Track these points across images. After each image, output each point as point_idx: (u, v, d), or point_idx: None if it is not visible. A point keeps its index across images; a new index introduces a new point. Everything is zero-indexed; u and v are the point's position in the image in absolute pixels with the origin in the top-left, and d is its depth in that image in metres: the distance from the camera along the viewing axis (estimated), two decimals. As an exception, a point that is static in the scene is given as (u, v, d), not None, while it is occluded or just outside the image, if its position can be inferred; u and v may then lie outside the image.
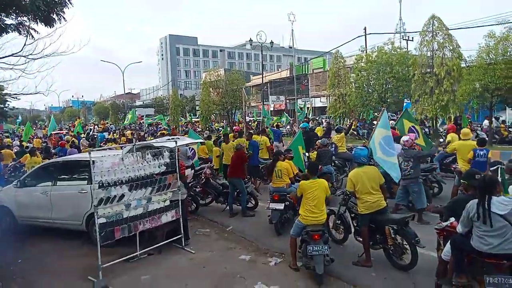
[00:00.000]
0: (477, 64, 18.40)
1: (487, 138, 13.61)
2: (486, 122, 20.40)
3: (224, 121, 31.40)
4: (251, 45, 31.73)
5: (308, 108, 32.95)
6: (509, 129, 18.91)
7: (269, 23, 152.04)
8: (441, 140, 13.90)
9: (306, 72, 47.24)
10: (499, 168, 5.55)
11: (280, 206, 7.31)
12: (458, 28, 26.58)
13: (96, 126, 37.09)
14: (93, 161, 5.57)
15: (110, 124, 42.26)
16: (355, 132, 20.37)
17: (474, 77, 18.17)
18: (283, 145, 14.31)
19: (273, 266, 5.97)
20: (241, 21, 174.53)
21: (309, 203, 5.61)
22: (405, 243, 5.52)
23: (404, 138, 7.99)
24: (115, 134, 25.62)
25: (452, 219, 4.79)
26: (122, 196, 5.89)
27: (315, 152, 10.66)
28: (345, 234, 6.61)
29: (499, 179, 5.16)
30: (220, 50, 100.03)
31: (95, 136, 21.17)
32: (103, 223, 5.62)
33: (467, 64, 19.05)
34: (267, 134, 14.23)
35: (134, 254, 6.24)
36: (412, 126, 9.73)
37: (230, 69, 45.36)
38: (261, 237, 7.35)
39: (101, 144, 17.48)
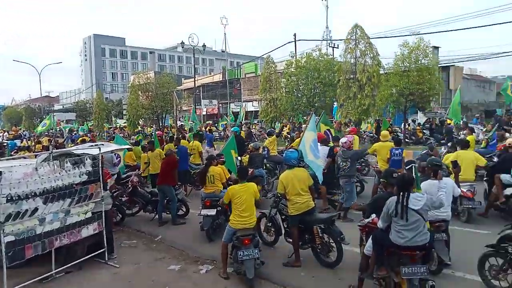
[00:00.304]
0: (394, 71, 20.14)
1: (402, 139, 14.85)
2: (412, 123, 22.50)
3: (154, 125, 30.31)
4: (183, 47, 31.15)
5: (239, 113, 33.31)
6: (423, 130, 20.87)
7: (202, 26, 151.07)
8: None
9: (239, 77, 47.70)
10: (413, 167, 6.02)
11: (212, 212, 7.19)
12: (377, 37, 28.80)
13: (6, 133, 33.46)
14: (0, 172, 4.96)
15: (24, 131, 38.45)
16: (289, 136, 21.01)
17: (391, 83, 19.85)
18: (215, 150, 14.19)
19: (204, 274, 5.83)
20: (173, 24, 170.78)
21: (237, 208, 5.58)
22: (332, 241, 5.75)
23: (343, 140, 8.44)
24: (29, 142, 23.33)
25: (373, 216, 5.08)
26: (36, 209, 5.32)
27: (247, 156, 10.73)
28: (276, 236, 6.70)
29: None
30: (150, 52, 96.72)
31: (5, 144, 19.02)
32: (11, 241, 5.02)
33: (385, 71, 20.72)
34: (204, 138, 14.01)
35: (49, 273, 5.66)
36: (327, 129, 10.62)
37: (160, 72, 44.07)
38: (192, 245, 7.15)
39: (12, 153, 15.79)
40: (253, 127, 26.94)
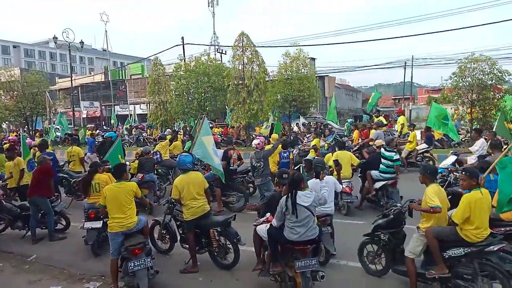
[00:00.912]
0: (278, 79, 21.52)
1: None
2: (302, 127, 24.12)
3: (21, 129, 26.29)
4: (55, 43, 27.78)
5: (131, 115, 31.41)
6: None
7: (79, 20, 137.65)
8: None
9: (124, 78, 44.84)
10: (301, 167, 6.47)
11: (97, 224, 6.49)
12: (262, 46, 30.37)
13: None
14: None
15: None
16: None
17: (276, 89, 21.18)
18: (97, 156, 12.98)
19: (91, 292, 5.23)
20: (44, 16, 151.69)
21: (112, 209, 5.17)
22: (228, 243, 5.77)
23: (255, 141, 8.55)
24: None
25: (268, 215, 5.27)
26: None
27: (137, 161, 10.10)
28: (171, 243, 6.43)
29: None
30: (14, 46, 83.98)
31: None
32: None
33: (270, 78, 21.97)
34: (80, 143, 12.61)
35: None
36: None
37: (28, 69, 38.59)
38: (76, 262, 6.37)
39: None
40: (149, 132, 25.37)
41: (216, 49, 37.32)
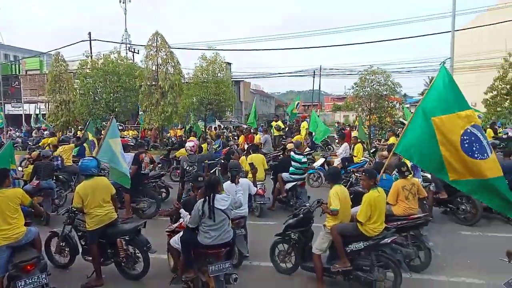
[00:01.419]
0: (194, 81, 21.23)
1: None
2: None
3: None
4: None
5: (37, 114, 28.08)
6: (235, 137, 22.54)
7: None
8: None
9: (18, 73, 39.94)
10: (217, 170, 6.43)
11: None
12: (178, 48, 29.77)
13: None
14: None
15: None
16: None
17: (192, 92, 20.85)
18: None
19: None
20: None
21: None
22: (137, 252, 5.44)
23: (190, 144, 8.07)
24: None
25: (181, 220, 5.11)
26: None
27: (31, 166, 9.01)
28: (71, 256, 5.83)
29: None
30: None
31: None
32: None
33: (186, 81, 21.58)
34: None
35: None
36: (91, 140, 10.38)
37: None
38: None
39: None
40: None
41: (128, 48, 35.41)
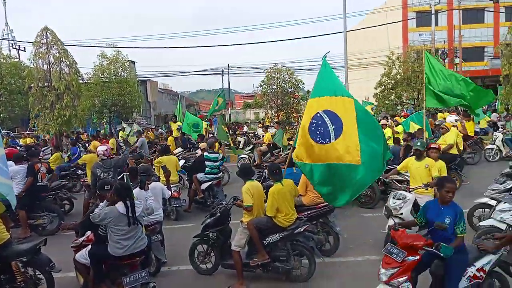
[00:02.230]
0: (94, 81, 19.69)
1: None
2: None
3: None
4: None
5: None
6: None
7: None
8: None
9: None
10: (125, 176, 6.04)
11: None
12: (73, 45, 27.28)
13: None
14: None
15: None
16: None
17: (93, 93, 19.32)
18: None
19: None
20: None
21: None
22: (38, 273, 4.86)
23: (102, 148, 7.28)
24: None
25: (89, 233, 4.71)
26: None
27: None
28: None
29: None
30: None
31: None
32: None
33: (85, 81, 19.88)
34: None
35: None
36: None
37: None
38: None
39: None
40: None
41: (11, 45, 31.25)
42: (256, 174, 9.30)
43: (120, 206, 4.23)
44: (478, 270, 3.77)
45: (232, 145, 11.85)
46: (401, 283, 3.59)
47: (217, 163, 8.64)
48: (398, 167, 6.64)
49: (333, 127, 4.87)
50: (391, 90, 20.28)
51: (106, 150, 7.51)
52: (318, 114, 4.99)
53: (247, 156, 13.41)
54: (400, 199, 5.70)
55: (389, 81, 20.41)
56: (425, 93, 8.90)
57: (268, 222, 5.05)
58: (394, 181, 7.87)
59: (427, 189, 5.75)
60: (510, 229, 5.08)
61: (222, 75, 41.39)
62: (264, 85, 18.50)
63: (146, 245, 4.43)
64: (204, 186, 8.50)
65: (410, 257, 3.63)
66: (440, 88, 8.67)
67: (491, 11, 30.37)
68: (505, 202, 5.41)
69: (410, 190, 5.90)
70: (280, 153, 12.04)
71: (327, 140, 4.88)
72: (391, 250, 3.77)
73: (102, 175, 7.26)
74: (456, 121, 10.66)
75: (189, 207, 8.67)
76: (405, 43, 31.15)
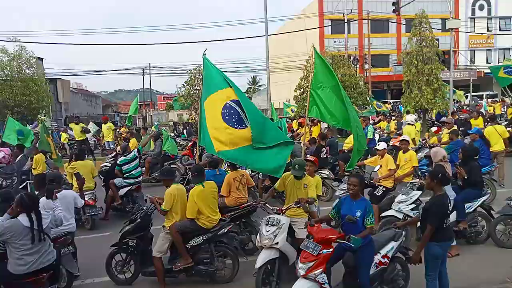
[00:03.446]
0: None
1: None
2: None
3: None
4: None
5: None
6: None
7: None
8: None
9: None
10: (28, 183, 5.49)
11: None
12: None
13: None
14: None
15: None
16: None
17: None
18: None
19: None
20: None
21: None
22: None
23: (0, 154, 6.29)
24: None
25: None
26: None
27: None
28: None
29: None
30: None
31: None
32: None
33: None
34: None
35: None
36: None
37: None
38: None
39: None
40: None
41: None
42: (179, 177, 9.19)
43: (23, 219, 3.81)
44: (383, 256, 4.17)
45: (55, 156, 9.62)
46: (317, 275, 3.80)
47: (135, 162, 8.23)
48: (276, 185, 5.47)
49: (244, 114, 5.38)
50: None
51: (3, 157, 6.94)
52: (227, 104, 5.43)
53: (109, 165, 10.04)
54: (274, 225, 4.65)
55: (307, 84, 21.50)
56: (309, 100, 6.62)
57: (191, 225, 4.98)
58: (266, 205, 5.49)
59: (299, 207, 4.92)
60: (407, 218, 5.71)
61: (143, 75, 39.72)
62: (188, 86, 18.23)
63: (55, 259, 4.06)
64: (122, 191, 8.06)
65: (325, 250, 3.87)
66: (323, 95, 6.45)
67: (394, 23, 33.72)
68: (402, 194, 6.08)
69: (283, 211, 4.95)
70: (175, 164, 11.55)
71: (243, 125, 5.40)
72: (307, 245, 3.97)
73: (4, 182, 6.56)
74: (415, 121, 11.86)
75: (106, 215, 8.14)
76: (322, 49, 33.10)
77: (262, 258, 4.43)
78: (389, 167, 6.77)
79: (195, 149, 12.64)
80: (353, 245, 3.79)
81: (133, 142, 11.67)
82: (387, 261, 4.20)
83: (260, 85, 63.03)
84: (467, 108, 22.45)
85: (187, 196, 5.08)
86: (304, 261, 3.88)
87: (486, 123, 11.40)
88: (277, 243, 4.49)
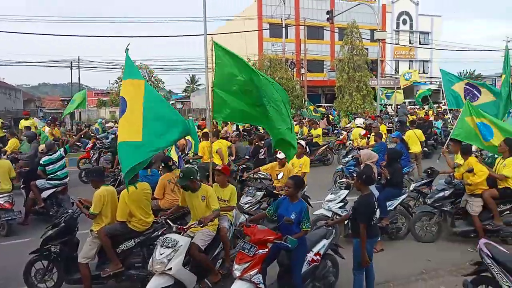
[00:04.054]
0: None
1: None
2: None
3: None
4: None
5: None
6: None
7: None
8: None
9: None
10: None
11: None
12: None
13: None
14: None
15: None
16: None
17: None
18: None
19: None
20: None
21: None
22: None
23: None
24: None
25: None
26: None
27: None
28: None
29: None
30: None
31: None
32: None
33: None
34: None
35: None
36: None
37: None
38: None
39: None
40: None
41: None
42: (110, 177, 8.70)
43: None
44: (315, 254, 4.34)
45: None
46: (252, 276, 3.83)
47: (61, 162, 7.63)
48: (180, 201, 5.12)
49: (121, 108, 4.73)
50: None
51: None
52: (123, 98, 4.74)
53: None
54: (169, 247, 4.12)
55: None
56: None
57: (122, 228, 4.74)
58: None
59: (202, 227, 4.44)
60: (336, 216, 6.01)
61: (71, 68, 37.00)
62: (121, 82, 17.37)
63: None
64: (45, 194, 7.41)
65: (260, 251, 3.91)
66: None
67: (328, 31, 35.44)
68: (331, 194, 6.40)
69: (184, 230, 4.46)
70: None
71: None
72: (243, 246, 3.99)
73: None
74: (363, 124, 12.39)
75: (26, 220, 7.43)
76: (260, 51, 33.67)
77: (151, 287, 3.97)
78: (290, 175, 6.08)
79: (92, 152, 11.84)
80: (290, 246, 3.89)
81: (12, 142, 10.57)
82: (319, 259, 4.37)
83: (199, 84, 62.18)
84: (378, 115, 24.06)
85: (118, 198, 4.83)
86: (240, 262, 3.89)
87: (407, 128, 12.48)
88: (170, 269, 3.98)
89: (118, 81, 17.51)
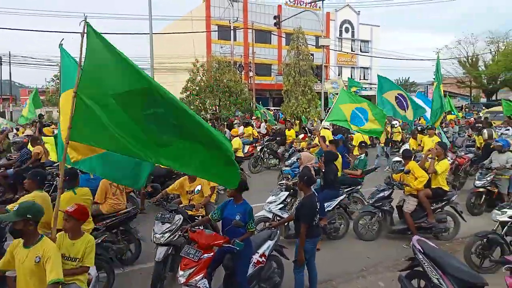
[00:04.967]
0: None
1: None
2: None
3: None
4: None
5: None
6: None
7: None
8: None
9: None
10: None
11: None
12: None
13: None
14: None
15: None
16: None
17: None
18: None
19: None
20: None
21: None
22: None
23: None
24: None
25: None
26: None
27: None
28: None
29: None
30: None
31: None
32: None
33: None
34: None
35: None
36: None
37: None
38: None
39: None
40: None
41: None
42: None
43: None
44: (260, 256, 4.37)
45: None
46: (198, 281, 3.77)
47: None
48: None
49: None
50: (196, 96, 21.34)
51: None
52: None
53: None
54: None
55: (194, 87, 21.44)
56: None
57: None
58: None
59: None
60: (276, 218, 6.13)
61: (0, 64, 34.01)
62: (58, 80, 16.31)
63: None
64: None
65: (206, 255, 3.87)
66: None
67: (276, 35, 36.11)
68: (272, 195, 6.50)
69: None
70: None
71: None
72: (188, 251, 3.91)
73: None
74: (329, 126, 12.54)
75: None
76: (209, 53, 33.39)
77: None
78: (206, 194, 5.73)
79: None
80: (237, 248, 3.87)
81: None
82: (265, 260, 4.42)
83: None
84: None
85: (53, 205, 4.50)
86: (185, 268, 3.81)
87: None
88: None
89: (54, 79, 16.38)
